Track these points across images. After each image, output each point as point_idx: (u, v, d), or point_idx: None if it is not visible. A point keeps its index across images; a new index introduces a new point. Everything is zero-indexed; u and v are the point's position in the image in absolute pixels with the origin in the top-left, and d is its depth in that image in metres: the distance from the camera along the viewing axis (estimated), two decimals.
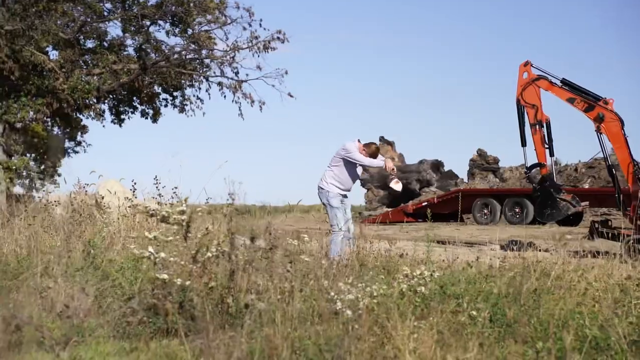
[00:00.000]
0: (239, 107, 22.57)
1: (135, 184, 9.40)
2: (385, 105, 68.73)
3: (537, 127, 12.74)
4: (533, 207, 19.95)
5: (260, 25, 21.54)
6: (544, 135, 12.74)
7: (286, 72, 21.89)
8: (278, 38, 21.99)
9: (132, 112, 24.46)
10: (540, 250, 11.79)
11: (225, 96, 22.90)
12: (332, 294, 4.74)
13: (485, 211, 20.67)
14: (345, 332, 4.19)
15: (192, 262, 4.34)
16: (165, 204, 8.77)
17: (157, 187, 8.71)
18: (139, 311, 4.45)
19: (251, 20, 21.59)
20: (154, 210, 4.35)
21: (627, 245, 10.74)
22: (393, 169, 9.16)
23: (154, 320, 4.54)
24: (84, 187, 9.61)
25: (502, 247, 13.61)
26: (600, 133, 12.22)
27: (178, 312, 4.29)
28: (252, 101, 22.44)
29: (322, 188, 9.14)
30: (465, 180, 26.45)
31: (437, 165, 26.68)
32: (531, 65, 12.88)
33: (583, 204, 17.22)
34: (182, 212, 4.33)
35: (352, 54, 75.60)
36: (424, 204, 20.67)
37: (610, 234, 11.96)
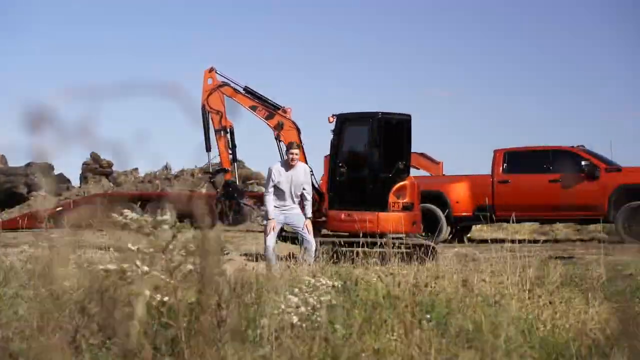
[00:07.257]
0: None
1: None
2: None
3: (222, 132, 12.98)
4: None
5: None
6: (228, 141, 13.04)
7: None
8: None
9: None
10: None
11: None
12: (282, 307, 4.36)
13: None
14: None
15: (170, 276, 3.49)
16: None
17: None
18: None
19: None
20: (129, 219, 3.41)
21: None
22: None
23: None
24: None
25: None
26: (280, 140, 13.04)
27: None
28: None
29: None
30: (78, 184, 25.18)
31: (46, 169, 24.65)
32: (216, 72, 13.06)
33: (262, 207, 17.96)
34: (164, 222, 3.48)
35: None
36: (58, 209, 19.00)
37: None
